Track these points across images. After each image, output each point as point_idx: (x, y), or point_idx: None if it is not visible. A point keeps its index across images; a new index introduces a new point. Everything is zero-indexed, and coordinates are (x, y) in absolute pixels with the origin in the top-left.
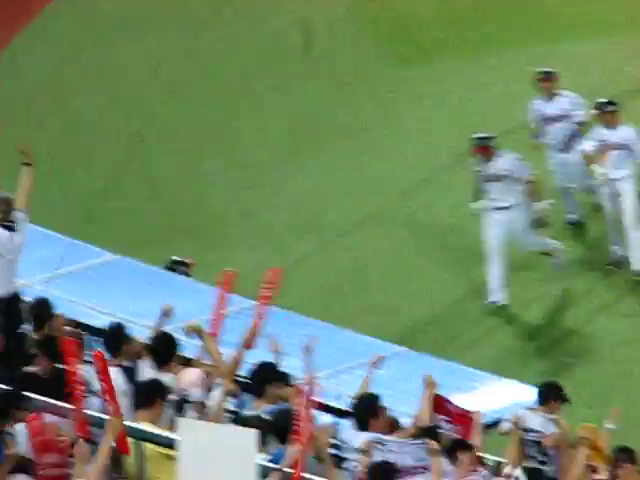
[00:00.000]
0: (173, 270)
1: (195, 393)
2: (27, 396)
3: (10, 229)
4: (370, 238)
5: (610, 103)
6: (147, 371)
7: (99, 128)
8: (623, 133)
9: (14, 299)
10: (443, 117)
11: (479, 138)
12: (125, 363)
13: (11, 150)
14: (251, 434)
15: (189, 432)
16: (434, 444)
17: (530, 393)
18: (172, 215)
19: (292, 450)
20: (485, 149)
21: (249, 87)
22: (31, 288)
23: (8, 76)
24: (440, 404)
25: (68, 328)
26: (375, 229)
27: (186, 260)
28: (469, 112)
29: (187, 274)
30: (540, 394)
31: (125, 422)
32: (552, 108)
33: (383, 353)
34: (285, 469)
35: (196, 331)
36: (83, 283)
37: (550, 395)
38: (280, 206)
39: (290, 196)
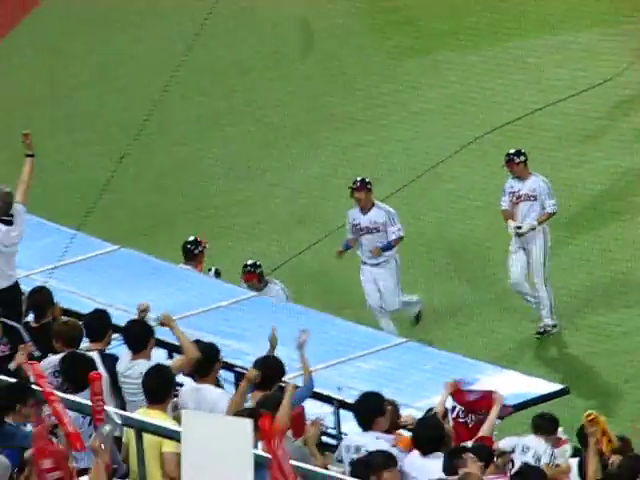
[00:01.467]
0: (187, 252)
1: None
2: (32, 389)
3: (8, 223)
4: None
5: (519, 154)
6: (124, 357)
7: (98, 120)
8: (533, 184)
9: (13, 290)
10: (442, 107)
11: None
12: (105, 349)
13: (12, 142)
14: (247, 423)
15: (192, 423)
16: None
17: (534, 384)
18: (173, 206)
19: None
20: (362, 189)
21: (248, 78)
22: (31, 279)
23: (6, 68)
24: (460, 396)
25: (65, 318)
26: None
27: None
28: (469, 103)
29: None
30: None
31: (136, 416)
32: (366, 220)
33: (384, 344)
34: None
35: (167, 324)
36: (84, 274)
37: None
38: (281, 196)
39: (291, 186)
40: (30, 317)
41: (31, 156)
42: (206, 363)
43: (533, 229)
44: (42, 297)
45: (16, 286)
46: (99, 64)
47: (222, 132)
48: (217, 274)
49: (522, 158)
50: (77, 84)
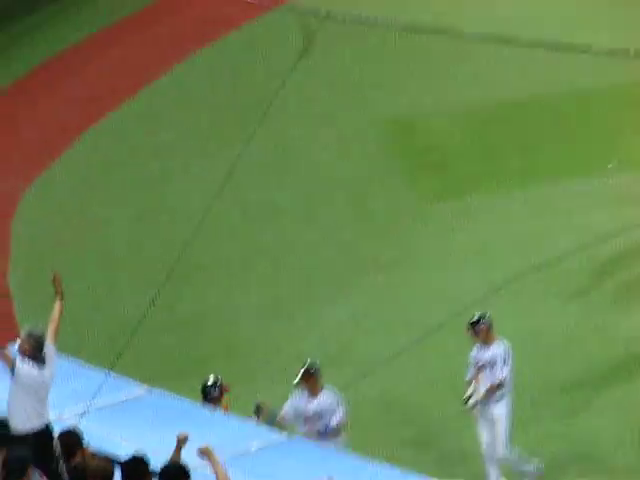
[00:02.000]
0: (207, 394)
1: None
2: None
3: (41, 364)
4: (402, 371)
5: (481, 320)
6: None
7: (130, 259)
8: (495, 350)
9: (45, 433)
10: (473, 251)
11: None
12: None
13: (43, 283)
14: None
15: None
16: None
17: None
18: (203, 347)
19: None
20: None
21: (279, 221)
22: (62, 421)
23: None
24: None
25: (97, 460)
26: (407, 362)
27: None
28: (499, 246)
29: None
30: None
31: None
32: (313, 406)
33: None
34: None
35: (207, 454)
36: (115, 416)
37: None
38: (310, 339)
39: (321, 329)
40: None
41: (61, 298)
42: None
43: (476, 404)
44: (71, 439)
45: (48, 428)
46: (134, 204)
47: (253, 274)
48: (258, 410)
49: (485, 322)
50: (110, 222)
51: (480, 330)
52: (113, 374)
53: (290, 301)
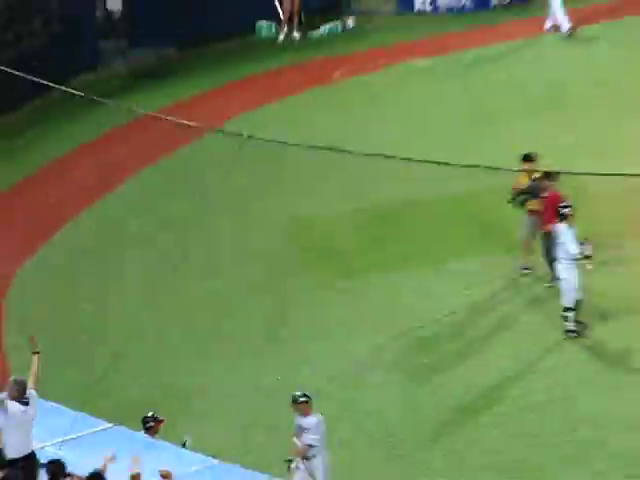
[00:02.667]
0: (145, 423)
1: None
2: None
3: (25, 404)
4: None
5: (301, 398)
6: None
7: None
8: (310, 420)
9: (30, 457)
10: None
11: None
12: None
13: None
14: None
15: None
16: None
17: None
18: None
19: None
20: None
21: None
22: (44, 450)
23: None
24: None
25: None
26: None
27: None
28: (387, 319)
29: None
30: None
31: None
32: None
33: None
34: None
35: (167, 476)
36: (88, 447)
37: None
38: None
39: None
40: None
41: (37, 353)
42: None
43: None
44: (57, 467)
45: (33, 454)
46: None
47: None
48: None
49: (305, 399)
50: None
51: (300, 405)
52: (82, 413)
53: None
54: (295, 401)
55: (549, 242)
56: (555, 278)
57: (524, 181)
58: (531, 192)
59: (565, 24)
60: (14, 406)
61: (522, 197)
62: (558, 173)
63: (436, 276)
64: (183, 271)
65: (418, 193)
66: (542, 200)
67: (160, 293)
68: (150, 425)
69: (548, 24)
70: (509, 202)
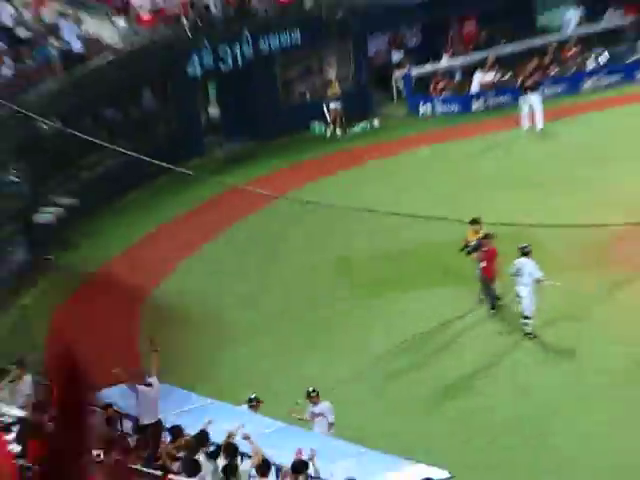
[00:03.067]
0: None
1: None
2: None
3: (148, 386)
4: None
5: (314, 391)
6: None
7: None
8: (322, 407)
9: (157, 423)
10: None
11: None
12: None
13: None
14: None
15: None
16: None
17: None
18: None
19: None
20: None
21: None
22: (166, 418)
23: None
24: None
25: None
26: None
27: None
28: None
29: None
30: None
31: None
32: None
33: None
34: None
35: (247, 437)
36: (198, 416)
37: None
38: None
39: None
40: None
41: (156, 351)
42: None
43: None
44: (177, 431)
45: (159, 421)
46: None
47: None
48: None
49: (314, 393)
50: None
51: (312, 397)
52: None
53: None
54: (309, 395)
55: (487, 284)
56: (493, 307)
57: (472, 238)
58: (475, 247)
59: (539, 121)
60: (142, 388)
61: (469, 249)
62: (493, 235)
63: (421, 300)
64: (270, 294)
65: (414, 242)
66: (483, 253)
67: (254, 310)
68: (252, 404)
69: (524, 121)
70: (460, 251)
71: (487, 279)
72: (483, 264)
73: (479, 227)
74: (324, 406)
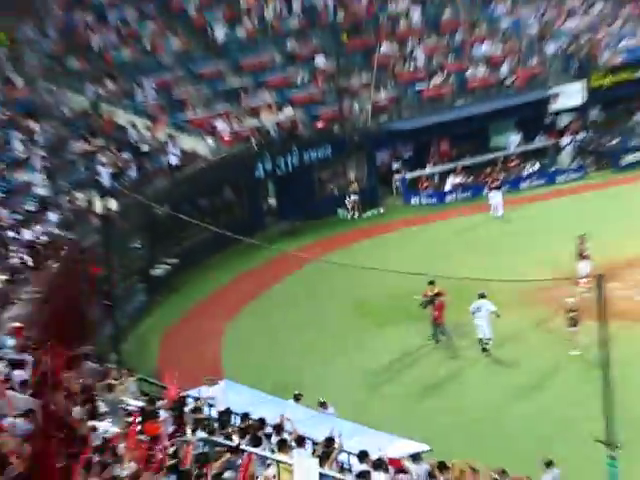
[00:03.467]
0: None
1: None
2: None
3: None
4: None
5: (324, 401)
6: None
7: None
8: (332, 409)
9: (226, 411)
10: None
11: None
12: None
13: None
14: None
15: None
16: None
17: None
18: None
19: None
20: None
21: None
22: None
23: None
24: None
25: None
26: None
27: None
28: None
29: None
30: None
31: None
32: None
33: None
34: None
35: (288, 419)
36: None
37: None
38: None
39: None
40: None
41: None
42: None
43: None
44: (256, 426)
45: (228, 410)
46: None
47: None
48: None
49: (324, 400)
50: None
51: (323, 405)
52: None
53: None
54: (321, 404)
55: (438, 327)
56: (438, 340)
57: (429, 293)
58: (428, 302)
59: (500, 210)
60: (206, 390)
61: (425, 302)
62: (443, 293)
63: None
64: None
65: (403, 290)
66: (435, 305)
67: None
68: (297, 398)
69: (492, 210)
70: (419, 304)
71: (437, 323)
72: (435, 313)
73: (434, 287)
74: (332, 409)
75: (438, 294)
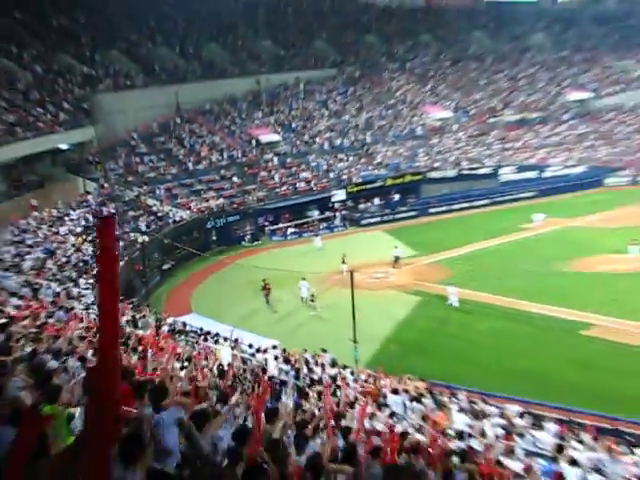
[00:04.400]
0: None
1: None
2: None
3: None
4: None
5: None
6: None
7: None
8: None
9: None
10: None
11: None
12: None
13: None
14: None
15: None
16: None
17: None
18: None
19: None
20: None
21: None
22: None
23: None
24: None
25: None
26: None
27: None
28: None
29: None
30: None
31: None
32: None
33: None
34: None
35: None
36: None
37: None
38: None
39: None
40: None
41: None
42: None
43: None
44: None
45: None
46: None
47: None
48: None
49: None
50: None
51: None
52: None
53: None
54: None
55: (267, 297)
56: (268, 302)
57: (266, 281)
58: (265, 285)
59: (319, 243)
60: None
61: (262, 285)
62: (269, 282)
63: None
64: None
65: (265, 277)
66: (265, 286)
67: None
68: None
69: (315, 243)
70: (261, 287)
71: (266, 296)
72: (266, 291)
73: (267, 280)
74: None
75: (267, 282)
